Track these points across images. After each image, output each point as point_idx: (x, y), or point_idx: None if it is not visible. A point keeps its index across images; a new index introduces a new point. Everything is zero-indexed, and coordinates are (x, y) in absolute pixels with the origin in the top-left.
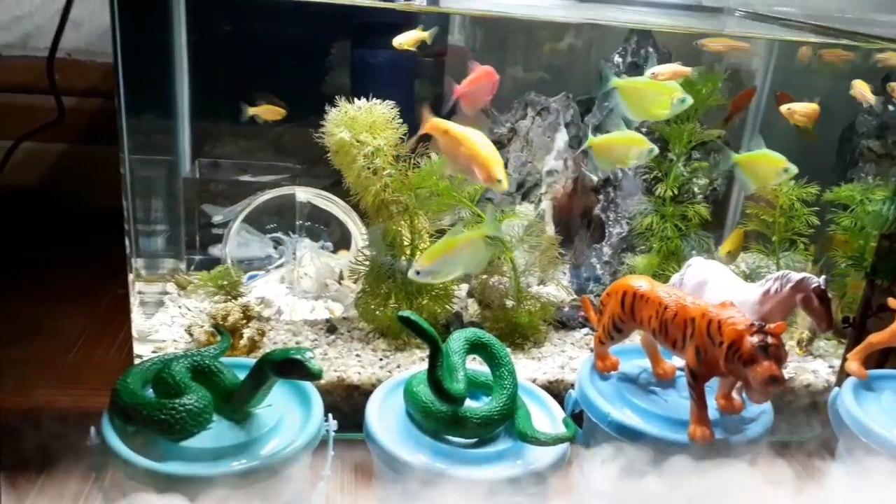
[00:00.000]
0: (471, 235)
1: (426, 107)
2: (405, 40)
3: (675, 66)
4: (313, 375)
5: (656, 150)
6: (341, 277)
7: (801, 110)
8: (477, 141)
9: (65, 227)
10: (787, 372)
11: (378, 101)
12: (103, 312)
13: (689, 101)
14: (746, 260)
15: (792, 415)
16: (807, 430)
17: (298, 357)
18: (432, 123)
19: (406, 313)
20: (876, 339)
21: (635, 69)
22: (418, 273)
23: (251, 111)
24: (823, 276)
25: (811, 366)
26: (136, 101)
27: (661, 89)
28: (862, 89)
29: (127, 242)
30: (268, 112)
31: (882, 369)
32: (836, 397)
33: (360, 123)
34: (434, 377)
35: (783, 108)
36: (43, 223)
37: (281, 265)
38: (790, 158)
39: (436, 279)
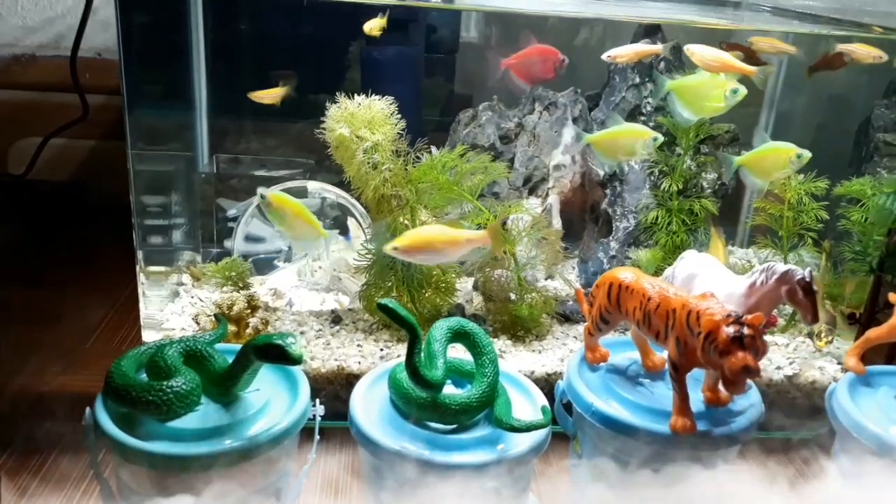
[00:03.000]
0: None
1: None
2: (372, 26)
3: (637, 47)
4: (293, 360)
5: (661, 139)
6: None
7: (699, 54)
8: None
9: (93, 220)
10: (791, 368)
11: (382, 97)
12: (124, 302)
13: (743, 91)
14: (759, 255)
15: (795, 412)
16: (809, 427)
17: (279, 342)
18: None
19: (384, 301)
20: (874, 334)
21: (643, 63)
22: (262, 196)
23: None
24: (809, 269)
25: (818, 362)
26: (151, 98)
27: (713, 84)
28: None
29: (134, 235)
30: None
31: (884, 365)
32: (832, 393)
33: (358, 119)
34: (411, 364)
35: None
36: (72, 216)
37: (301, 257)
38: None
39: (275, 223)
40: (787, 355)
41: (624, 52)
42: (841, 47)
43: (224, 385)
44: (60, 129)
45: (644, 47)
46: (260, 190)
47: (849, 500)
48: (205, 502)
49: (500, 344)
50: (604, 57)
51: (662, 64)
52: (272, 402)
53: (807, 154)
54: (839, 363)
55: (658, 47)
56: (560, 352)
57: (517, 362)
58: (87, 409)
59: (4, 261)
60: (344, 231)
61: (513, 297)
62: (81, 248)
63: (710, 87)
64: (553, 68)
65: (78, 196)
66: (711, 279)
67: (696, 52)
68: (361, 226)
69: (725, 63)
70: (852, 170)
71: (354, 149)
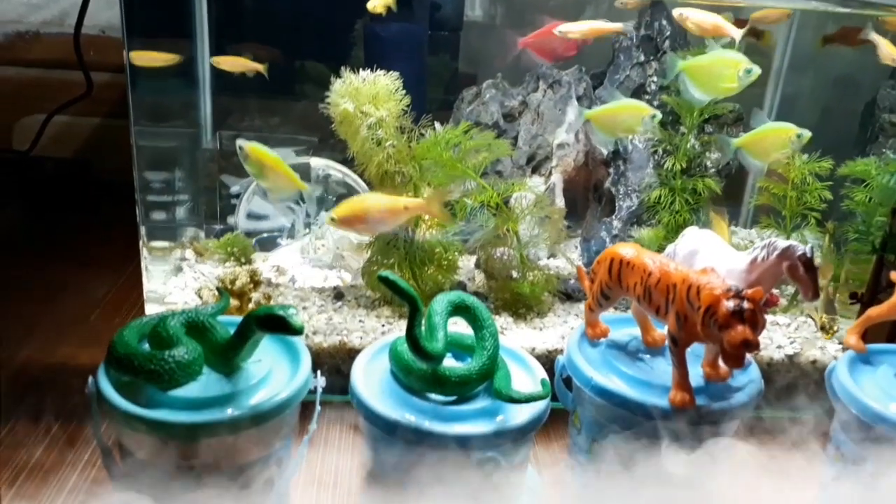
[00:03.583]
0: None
1: None
2: (376, 4)
3: (593, 24)
4: (295, 330)
5: (659, 116)
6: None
7: (693, 18)
8: None
9: (97, 197)
10: (793, 347)
11: (384, 73)
12: (127, 277)
13: (757, 71)
14: (762, 235)
15: (795, 391)
16: (809, 406)
17: (281, 313)
18: None
19: (385, 273)
20: (875, 312)
21: (648, 42)
22: (240, 148)
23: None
24: (810, 245)
25: (819, 342)
26: (154, 74)
27: (726, 63)
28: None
29: (137, 211)
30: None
31: (885, 343)
32: (832, 371)
33: (363, 94)
34: (412, 335)
35: (675, 12)
36: (76, 192)
37: (305, 234)
38: (811, 134)
39: (253, 174)
40: (788, 335)
41: (577, 29)
42: (874, 37)
43: (226, 355)
44: (64, 106)
45: (602, 24)
46: (238, 141)
47: (848, 478)
48: (206, 470)
49: (502, 321)
50: (555, 31)
51: (668, 42)
52: (274, 372)
53: (807, 134)
54: (839, 342)
55: (619, 26)
56: (561, 329)
57: (518, 339)
58: (90, 378)
59: (9, 237)
60: None
61: (515, 275)
62: (85, 224)
63: (722, 66)
64: (576, 45)
65: (82, 173)
66: (713, 255)
67: (689, 16)
68: None
69: (718, 27)
70: (857, 150)
71: (358, 124)
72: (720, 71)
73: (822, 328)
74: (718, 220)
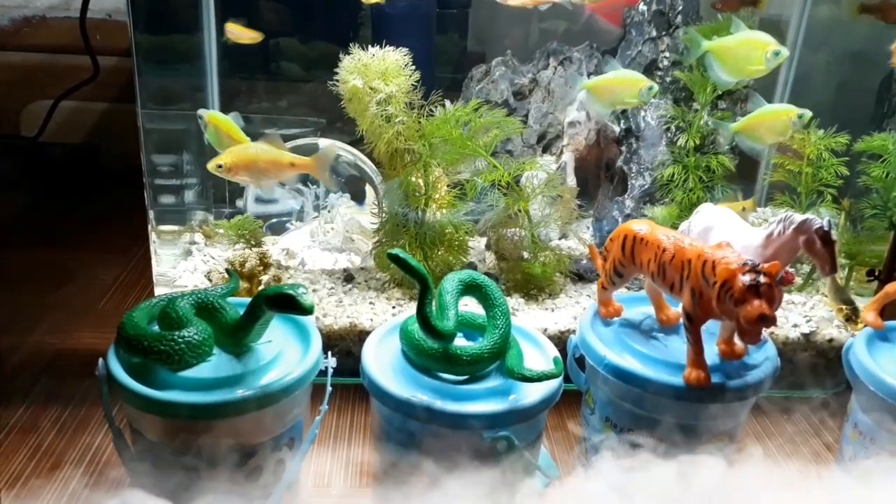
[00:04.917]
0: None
1: None
2: None
3: None
4: (304, 310)
5: (656, 88)
6: None
7: None
8: None
9: (106, 182)
10: (809, 326)
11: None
12: (137, 262)
13: (785, 53)
14: (777, 212)
15: (811, 369)
16: (827, 385)
17: (290, 292)
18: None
19: (395, 251)
20: (892, 288)
21: (661, 17)
22: (200, 116)
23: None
24: (827, 219)
25: (836, 320)
26: (161, 58)
27: (753, 45)
28: None
29: (146, 195)
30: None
31: None
32: (850, 348)
33: (372, 70)
34: (422, 314)
35: None
36: (85, 177)
37: (314, 217)
38: (827, 110)
39: (212, 142)
40: (804, 313)
41: None
42: None
43: (236, 336)
44: (71, 91)
45: None
46: (199, 111)
47: (867, 454)
48: (217, 451)
49: (513, 302)
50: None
51: (680, 18)
52: (284, 353)
53: (807, 114)
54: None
55: None
56: (573, 310)
57: (530, 321)
58: (101, 360)
59: (19, 222)
60: (359, 196)
61: (526, 255)
62: (94, 209)
63: (749, 48)
64: None
65: (90, 158)
66: (728, 231)
67: None
68: (373, 184)
69: None
70: (874, 126)
71: (368, 101)
72: (747, 53)
73: (848, 319)
74: (733, 199)
